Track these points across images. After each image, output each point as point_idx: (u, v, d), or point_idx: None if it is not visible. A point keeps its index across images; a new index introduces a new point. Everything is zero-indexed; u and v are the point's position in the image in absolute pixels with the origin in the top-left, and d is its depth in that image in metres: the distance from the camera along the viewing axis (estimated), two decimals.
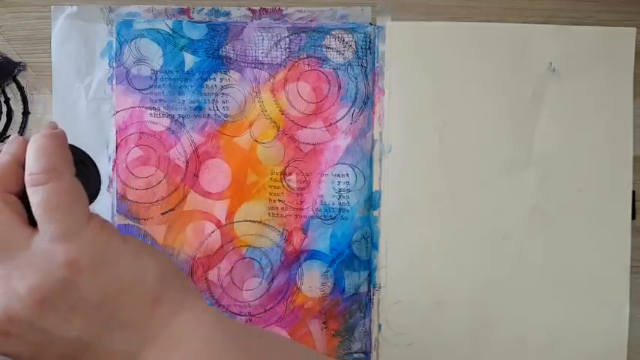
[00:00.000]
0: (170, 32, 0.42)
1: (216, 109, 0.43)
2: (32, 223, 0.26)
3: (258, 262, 0.43)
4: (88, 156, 0.30)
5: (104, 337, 0.26)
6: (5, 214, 0.26)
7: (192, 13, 0.43)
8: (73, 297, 0.25)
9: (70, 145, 0.29)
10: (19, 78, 0.43)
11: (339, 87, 0.43)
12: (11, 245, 0.25)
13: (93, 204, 0.30)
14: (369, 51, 0.43)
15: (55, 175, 0.26)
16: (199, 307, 0.29)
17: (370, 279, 0.43)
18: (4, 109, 0.43)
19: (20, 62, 0.43)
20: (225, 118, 0.43)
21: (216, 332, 0.28)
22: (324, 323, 0.43)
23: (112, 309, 0.26)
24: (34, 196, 0.26)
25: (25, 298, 0.25)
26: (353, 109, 0.43)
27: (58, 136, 0.28)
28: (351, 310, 0.43)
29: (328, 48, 0.43)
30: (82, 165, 0.29)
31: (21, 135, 0.43)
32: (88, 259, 0.26)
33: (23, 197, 0.27)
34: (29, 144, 0.27)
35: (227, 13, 0.43)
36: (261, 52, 0.43)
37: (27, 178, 0.26)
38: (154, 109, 0.42)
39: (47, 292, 0.25)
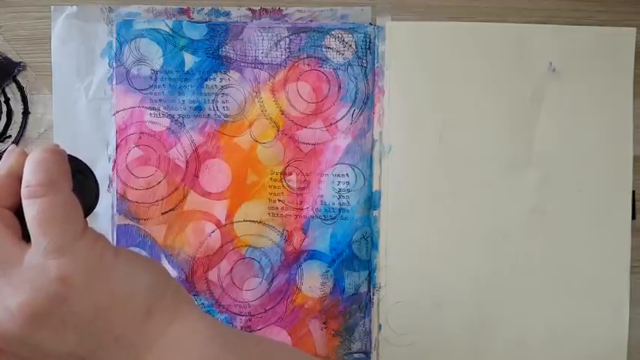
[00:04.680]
0: (170, 32, 0.42)
1: (216, 109, 0.43)
2: (26, 237, 0.26)
3: (258, 262, 0.43)
4: (87, 167, 0.30)
5: (98, 351, 0.26)
6: None
7: (192, 13, 0.43)
8: (66, 312, 0.25)
9: (70, 155, 0.28)
10: (19, 78, 0.43)
11: (339, 87, 0.43)
12: (3, 260, 0.25)
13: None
14: (369, 51, 0.43)
15: (53, 188, 0.26)
16: (193, 316, 0.28)
17: (370, 279, 0.43)
18: (4, 109, 0.43)
19: (20, 62, 0.43)
20: (225, 118, 0.43)
21: (211, 342, 0.27)
22: (324, 323, 0.43)
23: (105, 323, 0.26)
24: (30, 209, 0.25)
25: (17, 315, 0.24)
26: (353, 109, 0.43)
27: (58, 152, 0.27)
28: (351, 310, 0.43)
29: (328, 48, 0.43)
30: (81, 175, 0.29)
31: (20, 135, 0.43)
32: (80, 274, 0.25)
33: (18, 211, 0.26)
34: (28, 157, 0.27)
35: (227, 13, 0.43)
36: (261, 52, 0.43)
37: (23, 191, 0.26)
38: (154, 109, 0.42)
39: (39, 308, 0.24)
